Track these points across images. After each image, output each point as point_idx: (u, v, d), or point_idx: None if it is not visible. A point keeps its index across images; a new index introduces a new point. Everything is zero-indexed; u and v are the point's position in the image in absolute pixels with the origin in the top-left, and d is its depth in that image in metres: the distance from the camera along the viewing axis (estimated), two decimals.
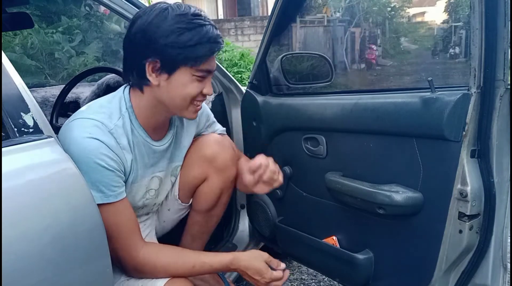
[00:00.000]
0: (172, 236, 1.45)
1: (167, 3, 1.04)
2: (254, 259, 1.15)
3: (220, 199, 1.36)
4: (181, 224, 1.45)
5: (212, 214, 1.39)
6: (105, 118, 1.03)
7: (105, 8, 5.16)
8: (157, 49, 1.00)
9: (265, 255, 1.17)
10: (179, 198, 1.34)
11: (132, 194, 1.14)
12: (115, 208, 1.02)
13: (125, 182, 1.09)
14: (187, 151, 1.29)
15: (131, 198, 1.13)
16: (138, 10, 1.42)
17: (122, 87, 1.13)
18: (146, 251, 1.07)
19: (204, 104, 1.31)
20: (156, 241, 1.32)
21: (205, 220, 1.39)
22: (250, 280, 1.17)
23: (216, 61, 1.40)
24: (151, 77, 1.03)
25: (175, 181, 1.31)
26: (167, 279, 1.09)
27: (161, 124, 1.16)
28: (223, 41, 1.07)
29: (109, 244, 0.94)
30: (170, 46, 0.99)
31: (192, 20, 1.00)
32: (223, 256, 1.14)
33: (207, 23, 1.02)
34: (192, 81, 1.04)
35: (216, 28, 1.04)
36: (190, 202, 1.37)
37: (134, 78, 1.06)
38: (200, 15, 1.03)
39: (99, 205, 0.95)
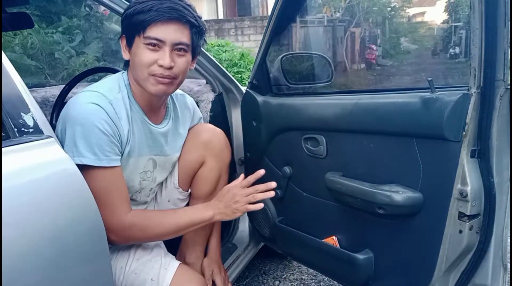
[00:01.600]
0: None
1: None
2: (220, 193, 1.23)
3: (218, 184, 1.40)
4: None
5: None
6: (105, 91, 1.12)
7: (105, 9, 5.17)
8: (122, 27, 1.14)
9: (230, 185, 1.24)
10: (179, 186, 1.38)
11: (130, 170, 1.19)
12: (107, 174, 1.07)
13: (122, 153, 1.14)
14: (186, 141, 1.36)
15: (129, 174, 1.19)
16: None
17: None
18: (133, 214, 1.14)
19: (196, 107, 1.42)
20: None
21: None
22: (229, 210, 1.20)
23: (215, 60, 1.41)
24: (125, 54, 1.16)
25: (174, 170, 1.37)
26: (176, 266, 1.20)
27: (155, 104, 1.22)
28: (179, 12, 1.09)
29: (99, 210, 0.98)
30: (124, 19, 1.12)
31: None
32: (199, 206, 1.24)
33: None
34: (143, 50, 1.10)
35: (172, 2, 1.09)
36: (189, 192, 1.41)
37: (124, 60, 1.18)
38: None
39: (90, 169, 1.03)
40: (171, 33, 1.09)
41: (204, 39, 1.21)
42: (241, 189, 1.20)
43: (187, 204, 1.44)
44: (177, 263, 1.24)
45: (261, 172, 1.23)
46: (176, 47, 1.11)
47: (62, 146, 1.06)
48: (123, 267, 1.20)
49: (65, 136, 1.05)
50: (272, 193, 1.21)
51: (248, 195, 1.19)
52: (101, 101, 1.08)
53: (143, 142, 1.19)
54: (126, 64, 1.19)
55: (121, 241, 1.14)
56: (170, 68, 1.10)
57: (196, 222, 1.20)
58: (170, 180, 1.38)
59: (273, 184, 1.21)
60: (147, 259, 1.22)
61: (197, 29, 1.14)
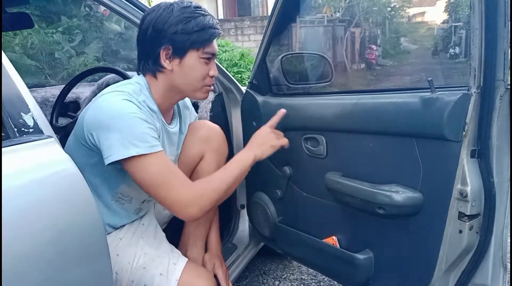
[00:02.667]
0: (173, 230, 1.46)
1: (170, 1, 1.19)
2: (252, 139, 1.30)
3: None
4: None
5: None
6: (129, 91, 1.14)
7: (105, 9, 5.17)
8: (168, 37, 1.15)
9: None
10: None
11: None
12: (162, 156, 1.11)
13: None
14: (185, 138, 1.41)
15: None
16: (138, 10, 1.43)
17: (135, 76, 1.25)
18: (196, 182, 1.18)
19: (192, 106, 1.48)
20: (162, 232, 1.36)
21: None
22: (267, 146, 1.29)
23: (215, 61, 1.43)
24: (165, 63, 1.17)
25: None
26: (185, 261, 1.23)
27: (171, 108, 1.29)
28: (220, 29, 1.22)
29: (159, 197, 1.09)
30: (180, 33, 1.14)
31: (195, 11, 1.16)
32: (239, 155, 1.28)
33: (207, 13, 1.20)
34: (200, 63, 1.18)
35: (214, 18, 1.21)
36: None
37: (150, 66, 1.19)
38: (201, 7, 1.20)
39: (142, 158, 1.06)
40: (216, 45, 1.22)
41: None
42: (271, 130, 1.31)
43: None
44: (185, 259, 1.26)
45: (283, 110, 1.34)
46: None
47: (92, 143, 1.10)
48: (130, 262, 1.21)
49: (108, 134, 1.06)
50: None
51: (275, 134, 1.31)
52: (131, 98, 1.12)
53: (164, 143, 1.24)
54: (154, 71, 1.19)
55: (200, 211, 1.13)
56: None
57: (245, 167, 1.24)
58: None
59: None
60: (155, 254, 1.24)
61: None
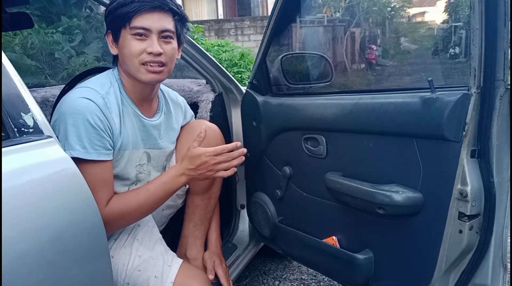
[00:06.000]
0: (173, 228, 1.46)
1: None
2: (191, 156, 1.19)
3: (215, 179, 1.42)
4: (180, 215, 1.48)
5: (210, 195, 1.45)
6: (97, 86, 1.15)
7: (105, 10, 5.16)
8: (106, 23, 1.18)
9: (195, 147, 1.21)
10: None
11: (125, 162, 1.21)
12: (95, 167, 1.09)
13: (114, 146, 1.16)
14: (181, 137, 1.39)
15: (124, 166, 1.21)
16: None
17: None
18: (110, 204, 1.13)
19: (187, 105, 1.46)
20: (158, 233, 1.34)
21: (205, 202, 1.45)
22: (201, 176, 1.20)
23: (215, 60, 1.43)
24: (112, 49, 1.20)
25: (170, 164, 1.39)
26: (180, 263, 1.22)
27: (147, 96, 1.25)
28: (161, 1, 1.14)
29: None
30: (108, 14, 1.16)
31: None
32: (170, 173, 1.21)
33: None
34: (131, 41, 1.14)
35: None
36: (187, 187, 1.43)
37: (112, 56, 1.22)
38: None
39: (81, 161, 1.03)
40: (156, 21, 1.14)
41: (187, 27, 1.25)
42: (214, 157, 1.18)
43: (184, 200, 1.46)
44: (180, 260, 1.26)
45: (238, 143, 1.23)
46: (162, 35, 1.15)
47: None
48: (125, 264, 1.21)
49: (58, 129, 1.07)
50: (243, 158, 1.21)
51: (221, 163, 1.18)
52: (92, 95, 1.11)
53: (137, 135, 1.22)
54: (115, 59, 1.22)
55: (109, 229, 1.13)
56: (159, 54, 1.14)
57: (172, 191, 1.21)
58: None
59: (244, 150, 1.22)
60: (150, 256, 1.23)
61: (179, 17, 1.19)
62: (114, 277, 1.20)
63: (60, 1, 4.58)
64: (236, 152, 1.20)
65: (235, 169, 1.22)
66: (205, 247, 1.52)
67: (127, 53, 1.14)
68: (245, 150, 1.22)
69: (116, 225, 1.17)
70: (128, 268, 1.20)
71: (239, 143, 1.23)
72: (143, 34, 1.13)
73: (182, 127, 1.43)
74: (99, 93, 1.12)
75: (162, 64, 1.16)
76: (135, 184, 1.29)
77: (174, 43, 1.19)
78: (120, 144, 1.17)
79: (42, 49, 4.66)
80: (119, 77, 1.21)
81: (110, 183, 1.15)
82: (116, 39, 1.17)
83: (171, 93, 1.40)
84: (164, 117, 1.32)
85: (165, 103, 1.34)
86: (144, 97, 1.24)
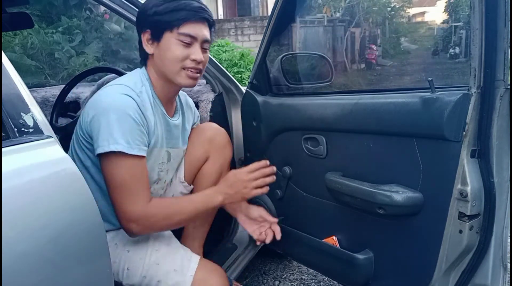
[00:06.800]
0: (173, 231, 1.46)
1: None
2: (227, 177, 1.27)
3: (220, 179, 1.41)
4: None
5: None
6: (131, 84, 1.17)
7: (105, 12, 5.16)
8: (146, 21, 1.18)
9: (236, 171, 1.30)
10: (185, 180, 1.44)
11: (152, 160, 1.24)
12: (135, 162, 1.11)
13: (148, 145, 1.18)
14: (192, 138, 1.43)
15: (151, 164, 1.24)
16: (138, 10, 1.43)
17: (138, 68, 1.26)
18: (154, 203, 1.15)
19: (195, 106, 1.50)
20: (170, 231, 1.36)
21: None
22: (238, 195, 1.25)
23: (215, 60, 1.44)
24: (147, 47, 1.20)
25: (180, 166, 1.42)
26: (198, 257, 1.24)
27: (171, 98, 1.29)
28: (207, 13, 1.21)
29: (114, 195, 1.10)
30: (153, 15, 1.16)
31: None
32: (209, 192, 1.26)
33: None
34: (176, 45, 1.17)
35: (198, 2, 1.20)
36: (192, 186, 1.46)
37: (141, 54, 1.23)
38: None
39: (119, 156, 1.07)
40: (201, 30, 1.19)
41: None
42: (248, 174, 1.26)
43: None
44: (198, 255, 1.27)
45: (267, 162, 1.29)
46: (203, 45, 1.21)
47: (87, 133, 1.13)
48: (142, 258, 1.21)
49: (98, 124, 1.09)
50: (274, 177, 1.29)
51: (256, 180, 1.26)
52: (131, 92, 1.13)
53: (162, 134, 1.25)
54: (144, 58, 1.24)
55: (142, 230, 1.15)
56: (200, 62, 1.20)
57: (209, 208, 1.24)
58: (176, 176, 1.43)
59: (274, 168, 1.29)
60: (167, 250, 1.24)
61: (214, 28, 1.26)
62: (131, 271, 1.21)
63: (60, 2, 4.59)
64: (267, 170, 1.27)
65: (268, 188, 1.28)
66: (204, 249, 1.54)
67: (170, 56, 1.17)
68: (274, 168, 1.29)
69: (155, 225, 1.17)
70: (146, 262, 1.21)
71: (267, 162, 1.29)
72: (189, 41, 1.18)
73: (193, 127, 1.46)
74: (134, 91, 1.15)
75: (199, 71, 1.22)
76: (157, 183, 1.31)
77: (208, 52, 1.26)
78: (153, 142, 1.20)
79: (42, 49, 4.66)
80: (148, 76, 1.23)
81: (147, 180, 1.17)
82: (157, 39, 1.18)
83: (181, 94, 1.42)
84: (181, 117, 1.36)
85: (180, 104, 1.37)
86: (170, 97, 1.28)
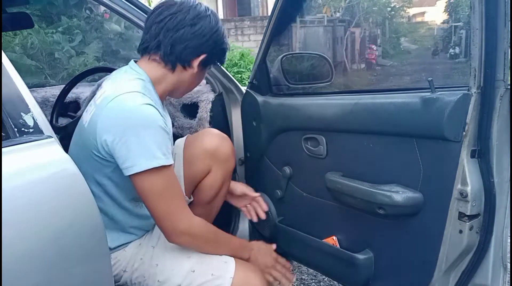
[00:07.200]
0: None
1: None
2: (265, 248, 1.34)
3: (221, 190, 1.42)
4: None
5: (213, 206, 1.45)
6: (142, 90, 1.10)
7: (105, 11, 5.16)
8: (210, 48, 1.18)
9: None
10: (185, 194, 1.36)
11: None
12: (170, 170, 1.09)
13: None
14: (190, 149, 1.37)
15: None
16: (138, 10, 1.43)
17: (130, 65, 1.19)
18: (201, 221, 1.17)
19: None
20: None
21: (207, 212, 1.43)
22: (266, 272, 1.30)
23: None
24: (192, 69, 1.19)
25: (179, 178, 1.36)
26: (234, 259, 1.22)
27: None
28: None
29: (158, 208, 1.07)
30: (217, 48, 1.20)
31: (223, 28, 1.22)
32: (245, 243, 1.34)
33: None
34: (204, 75, 1.28)
35: None
36: (191, 199, 1.41)
37: (175, 59, 1.16)
38: None
39: (157, 169, 1.03)
40: None
41: None
42: (276, 264, 1.33)
43: None
44: (232, 257, 1.24)
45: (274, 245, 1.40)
46: None
47: (108, 153, 1.07)
48: (174, 268, 1.19)
49: (129, 143, 1.02)
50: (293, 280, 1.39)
51: (276, 271, 1.32)
52: (148, 100, 1.07)
53: None
54: (171, 62, 1.17)
55: (188, 241, 1.16)
56: None
57: (236, 256, 1.25)
58: None
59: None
60: (199, 256, 1.21)
61: None
62: (165, 283, 1.19)
63: (60, 2, 4.58)
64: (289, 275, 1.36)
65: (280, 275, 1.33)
66: None
67: (198, 81, 1.27)
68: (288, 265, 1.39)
69: (194, 242, 1.18)
70: (180, 272, 1.18)
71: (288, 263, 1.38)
72: None
73: (189, 136, 1.43)
74: (149, 98, 1.09)
75: None
76: None
77: None
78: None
79: (42, 49, 4.66)
80: (146, 75, 1.16)
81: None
82: (204, 65, 1.21)
83: None
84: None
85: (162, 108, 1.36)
86: (162, 100, 1.26)
